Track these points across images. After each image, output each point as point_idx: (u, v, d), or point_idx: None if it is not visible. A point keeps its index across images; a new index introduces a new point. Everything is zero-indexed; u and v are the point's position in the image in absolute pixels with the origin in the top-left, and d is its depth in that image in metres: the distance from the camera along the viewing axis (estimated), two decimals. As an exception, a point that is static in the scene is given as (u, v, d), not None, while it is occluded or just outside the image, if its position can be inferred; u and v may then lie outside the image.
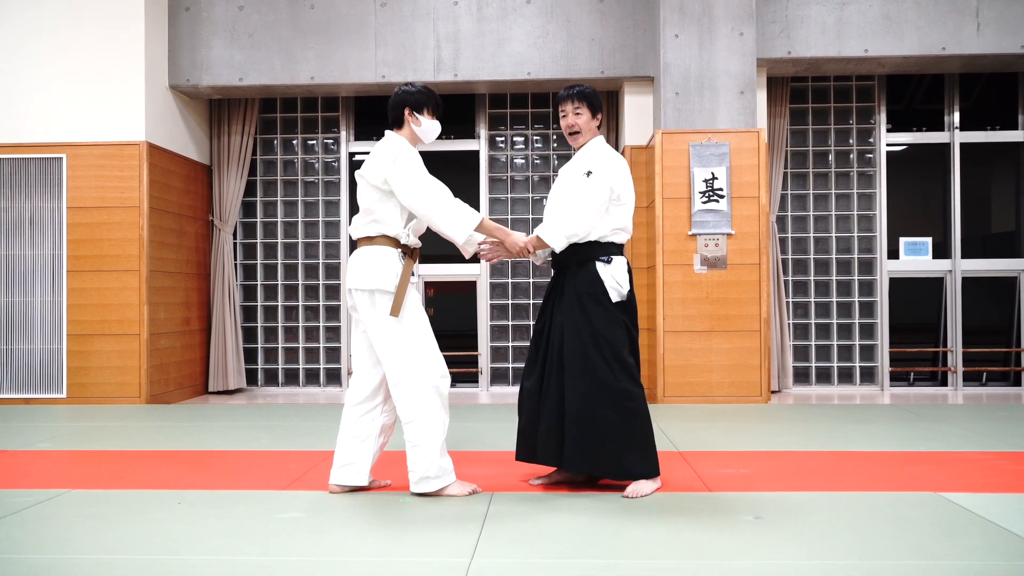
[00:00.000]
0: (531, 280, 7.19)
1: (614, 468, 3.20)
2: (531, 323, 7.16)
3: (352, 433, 3.28)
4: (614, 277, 3.27)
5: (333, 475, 3.30)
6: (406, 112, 3.30)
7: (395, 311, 3.13)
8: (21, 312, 6.24)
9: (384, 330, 3.16)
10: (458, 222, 3.15)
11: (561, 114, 3.43)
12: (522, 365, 7.16)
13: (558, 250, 3.27)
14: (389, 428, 3.35)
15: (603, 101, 6.81)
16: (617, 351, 3.20)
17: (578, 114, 3.38)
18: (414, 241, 3.29)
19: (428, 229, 3.31)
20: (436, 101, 3.36)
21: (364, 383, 3.29)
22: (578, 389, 3.19)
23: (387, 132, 3.35)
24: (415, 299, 3.24)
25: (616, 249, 3.33)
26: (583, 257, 3.30)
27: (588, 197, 3.24)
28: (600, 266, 3.27)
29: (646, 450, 3.21)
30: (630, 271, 3.37)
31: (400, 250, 3.22)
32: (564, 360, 3.24)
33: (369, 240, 3.24)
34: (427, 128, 3.32)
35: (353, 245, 3.39)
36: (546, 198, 7.15)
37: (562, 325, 3.28)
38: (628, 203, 3.36)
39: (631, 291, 3.33)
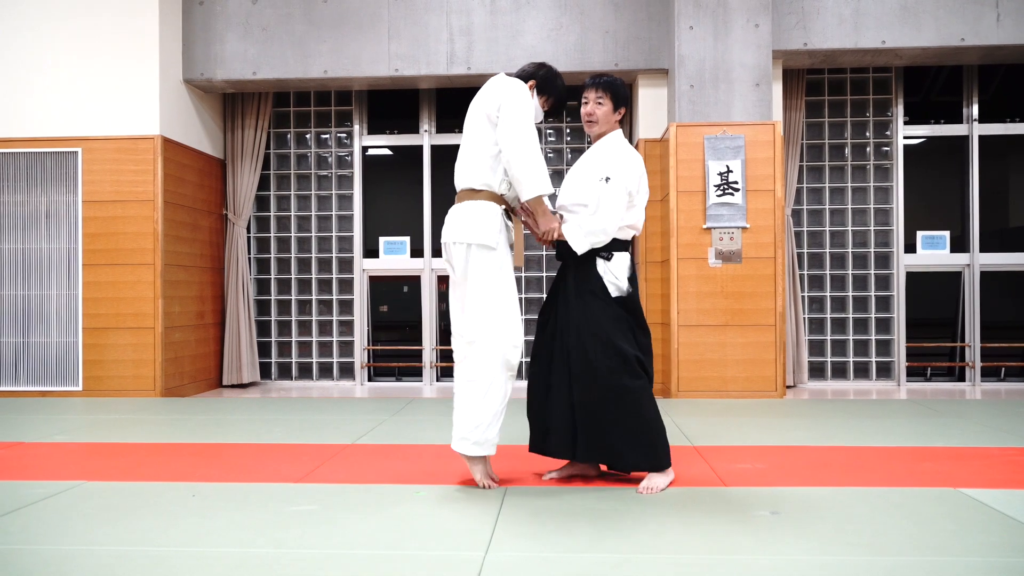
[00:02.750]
0: (544, 274, 7.17)
1: (618, 460, 3.21)
2: (544, 317, 7.14)
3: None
4: (612, 273, 3.26)
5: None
6: (530, 84, 3.30)
7: (517, 260, 3.17)
8: (37, 305, 6.28)
9: (476, 284, 3.17)
10: (535, 181, 3.10)
11: (583, 101, 3.38)
12: (535, 359, 7.15)
13: (579, 252, 3.25)
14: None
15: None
16: (616, 345, 3.18)
17: (600, 103, 3.34)
18: (512, 195, 3.25)
19: None
20: (559, 97, 3.35)
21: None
22: (581, 383, 3.20)
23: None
24: (510, 264, 3.23)
25: (619, 245, 3.30)
26: (585, 252, 3.28)
27: (608, 205, 3.21)
28: (600, 263, 3.26)
29: (652, 442, 3.19)
30: (633, 267, 3.34)
31: (504, 207, 3.22)
32: (568, 355, 3.24)
33: (473, 194, 3.21)
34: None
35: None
36: (558, 190, 7.14)
37: (565, 319, 3.28)
38: (640, 204, 3.34)
39: (634, 288, 3.31)
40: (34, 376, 6.26)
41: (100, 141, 6.21)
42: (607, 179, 3.23)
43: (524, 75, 3.33)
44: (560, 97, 3.37)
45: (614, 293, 3.25)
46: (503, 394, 3.18)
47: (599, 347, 3.18)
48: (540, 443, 3.35)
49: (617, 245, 3.30)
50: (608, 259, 3.26)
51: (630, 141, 6.87)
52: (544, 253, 7.17)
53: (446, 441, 4.17)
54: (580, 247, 3.22)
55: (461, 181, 3.27)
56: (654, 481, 3.19)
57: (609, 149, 3.33)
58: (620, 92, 3.36)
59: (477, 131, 3.23)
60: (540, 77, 3.32)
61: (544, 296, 7.16)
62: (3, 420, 5.09)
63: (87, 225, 6.21)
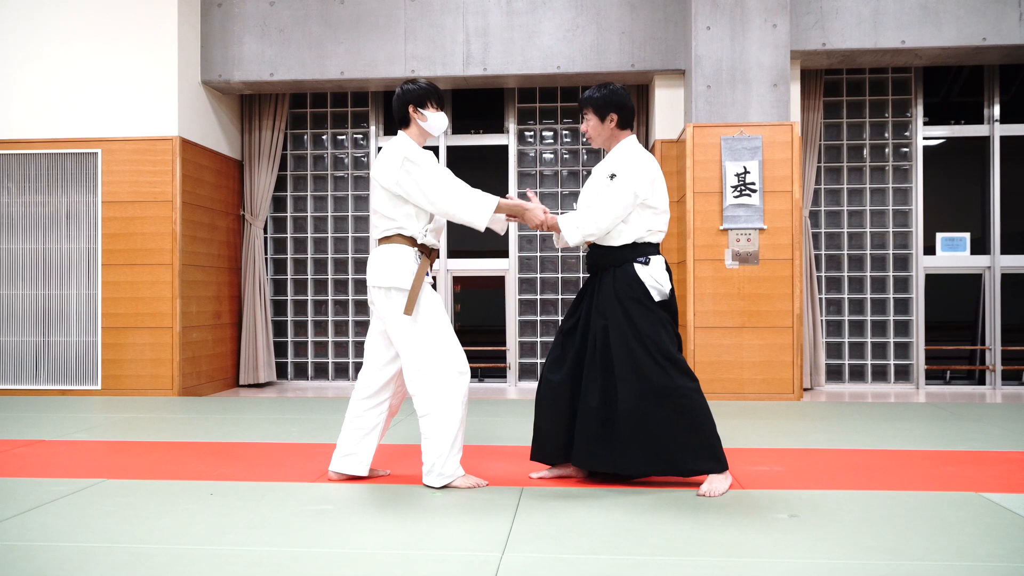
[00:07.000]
0: (559, 275, 7.16)
1: (676, 467, 3.17)
2: (560, 319, 7.13)
3: (358, 425, 3.37)
4: (653, 277, 3.25)
5: (334, 463, 3.40)
6: (410, 109, 3.32)
7: (408, 309, 3.16)
8: (57, 305, 6.34)
9: (402, 326, 3.21)
10: (477, 211, 3.21)
11: None
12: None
13: (571, 244, 3.30)
14: (388, 421, 3.45)
15: (632, 95, 6.75)
16: (665, 349, 3.17)
17: (587, 121, 3.39)
18: (432, 241, 3.32)
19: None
20: (437, 93, 3.36)
21: (375, 379, 3.36)
22: (630, 391, 3.14)
23: (399, 132, 3.37)
24: (432, 295, 3.27)
25: (652, 249, 3.30)
26: (620, 259, 3.27)
27: (608, 201, 3.24)
28: (639, 268, 3.25)
29: (708, 444, 3.17)
30: (669, 269, 3.34)
31: (417, 249, 3.25)
32: (612, 363, 3.20)
33: (387, 240, 3.28)
34: (433, 122, 3.34)
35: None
36: (575, 193, 7.14)
37: (604, 328, 3.23)
38: (659, 206, 3.31)
39: (672, 289, 3.31)
40: (54, 375, 6.32)
41: (119, 142, 6.26)
42: (612, 176, 3.27)
43: (402, 112, 3.32)
44: (438, 93, 3.35)
45: (657, 297, 3.24)
46: (455, 420, 3.19)
47: (648, 354, 3.15)
48: (555, 452, 3.33)
49: (651, 249, 3.30)
50: (646, 263, 3.26)
51: (646, 143, 6.85)
52: (560, 254, 7.16)
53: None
54: (572, 239, 3.27)
55: (373, 232, 3.36)
56: (715, 485, 3.15)
57: (617, 152, 3.37)
58: (600, 101, 3.33)
59: (376, 196, 3.30)
60: (414, 95, 3.30)
61: (557, 300, 7.14)
62: (23, 418, 5.14)
63: (106, 225, 6.27)
